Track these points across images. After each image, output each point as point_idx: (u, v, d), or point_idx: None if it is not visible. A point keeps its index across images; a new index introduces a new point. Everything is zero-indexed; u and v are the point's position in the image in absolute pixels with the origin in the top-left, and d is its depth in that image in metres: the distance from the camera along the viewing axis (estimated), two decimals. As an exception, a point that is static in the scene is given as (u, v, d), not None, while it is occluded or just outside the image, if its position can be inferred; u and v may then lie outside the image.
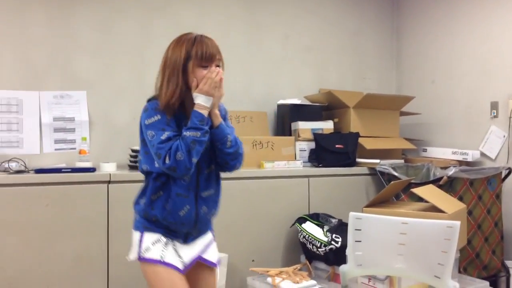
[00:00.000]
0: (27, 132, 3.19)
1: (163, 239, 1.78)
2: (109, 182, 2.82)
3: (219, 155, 1.80)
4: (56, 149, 3.26)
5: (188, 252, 1.81)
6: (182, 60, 1.72)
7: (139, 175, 2.92)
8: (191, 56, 1.72)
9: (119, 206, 2.80)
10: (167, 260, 1.74)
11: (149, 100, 1.81)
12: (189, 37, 1.76)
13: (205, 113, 1.70)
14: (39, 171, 2.75)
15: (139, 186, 2.79)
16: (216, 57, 1.73)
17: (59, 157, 3.25)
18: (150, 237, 1.78)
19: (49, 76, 3.29)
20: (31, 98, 3.21)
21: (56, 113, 3.27)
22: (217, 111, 1.75)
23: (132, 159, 3.21)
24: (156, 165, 1.75)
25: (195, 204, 1.78)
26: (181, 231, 1.80)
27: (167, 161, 1.66)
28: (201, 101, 1.70)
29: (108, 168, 3.05)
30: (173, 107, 1.73)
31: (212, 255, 1.88)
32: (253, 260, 3.12)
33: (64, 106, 3.30)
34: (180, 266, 1.76)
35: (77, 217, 2.72)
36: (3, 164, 2.81)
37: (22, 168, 2.85)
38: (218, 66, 1.74)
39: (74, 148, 3.27)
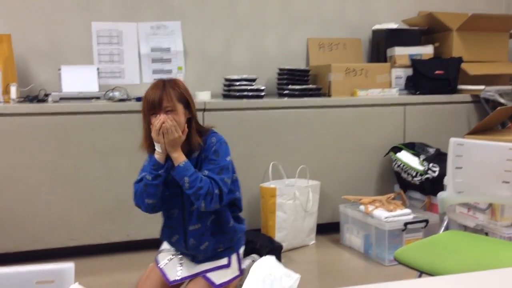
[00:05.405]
0: (127, 63, 3.35)
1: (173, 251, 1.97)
2: (204, 110, 2.90)
3: None
4: (154, 79, 3.39)
5: (190, 268, 1.91)
6: (144, 110, 1.80)
7: (232, 103, 3.00)
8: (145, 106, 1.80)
9: (215, 133, 2.90)
10: (161, 265, 1.93)
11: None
12: (148, 89, 1.82)
13: (159, 158, 1.76)
14: (140, 99, 2.89)
15: (233, 114, 2.83)
16: (161, 105, 1.74)
17: (157, 86, 3.38)
18: (165, 244, 2.00)
19: (145, 7, 3.38)
20: (130, 29, 3.34)
21: (153, 43, 3.38)
22: (176, 154, 1.75)
23: (225, 88, 3.26)
24: None
25: (184, 236, 1.87)
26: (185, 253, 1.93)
27: (134, 200, 1.84)
28: (156, 147, 1.77)
29: (203, 96, 3.14)
30: (152, 150, 1.80)
31: (215, 277, 1.88)
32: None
33: (160, 36, 3.39)
34: (171, 278, 1.88)
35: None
36: (108, 92, 3.00)
37: (125, 96, 3.02)
38: (168, 112, 1.74)
39: (171, 78, 3.39)
